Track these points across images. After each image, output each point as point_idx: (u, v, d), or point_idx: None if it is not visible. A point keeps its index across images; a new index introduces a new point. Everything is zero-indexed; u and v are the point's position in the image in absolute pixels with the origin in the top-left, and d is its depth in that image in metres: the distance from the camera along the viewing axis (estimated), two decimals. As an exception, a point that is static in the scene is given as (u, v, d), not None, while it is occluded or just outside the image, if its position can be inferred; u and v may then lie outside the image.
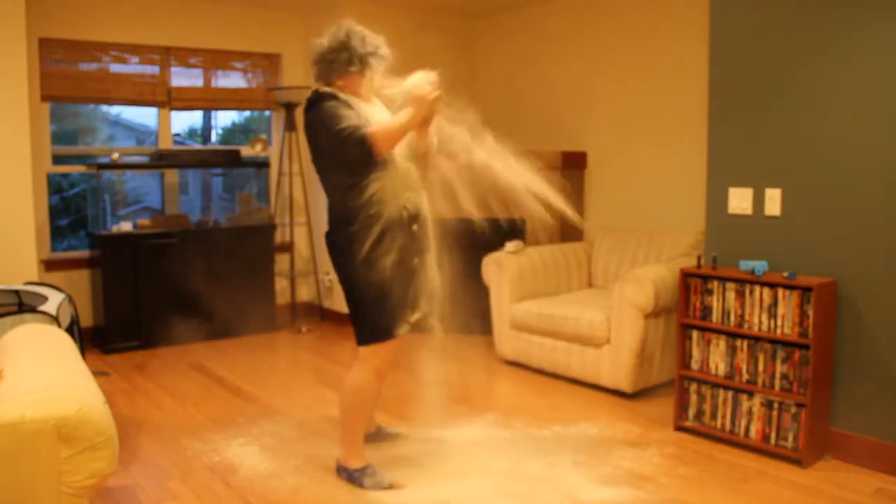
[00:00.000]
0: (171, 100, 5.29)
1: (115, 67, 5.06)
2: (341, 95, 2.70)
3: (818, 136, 3.01)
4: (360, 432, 2.82)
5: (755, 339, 3.07)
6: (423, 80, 2.72)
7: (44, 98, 4.81)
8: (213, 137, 6.75)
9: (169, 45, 5.24)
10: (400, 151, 2.79)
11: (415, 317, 2.77)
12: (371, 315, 2.70)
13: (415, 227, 2.76)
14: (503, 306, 4.39)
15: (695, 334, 3.28)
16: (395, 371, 4.20)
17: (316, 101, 2.70)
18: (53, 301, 3.33)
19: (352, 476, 2.78)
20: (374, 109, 2.82)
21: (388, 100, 2.89)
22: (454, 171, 2.95)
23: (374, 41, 2.78)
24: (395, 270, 2.68)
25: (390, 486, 2.74)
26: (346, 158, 2.64)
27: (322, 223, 5.92)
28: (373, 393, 2.80)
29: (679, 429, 3.33)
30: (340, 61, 2.72)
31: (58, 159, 4.96)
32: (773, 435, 3.02)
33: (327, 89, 2.71)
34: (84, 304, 4.93)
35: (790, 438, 2.97)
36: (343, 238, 2.71)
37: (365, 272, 2.67)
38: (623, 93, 4.85)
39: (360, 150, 2.59)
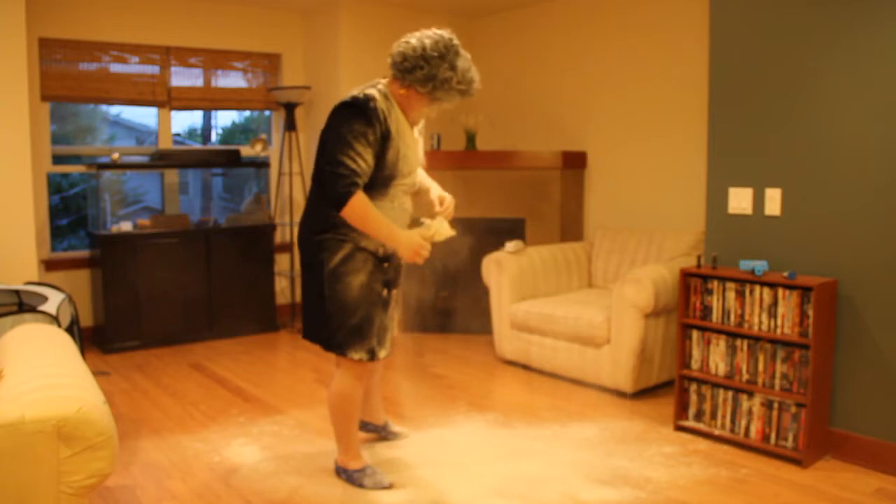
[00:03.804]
0: (171, 100, 5.29)
1: (115, 67, 5.06)
2: (388, 119, 2.50)
3: (818, 136, 3.01)
4: (353, 435, 2.80)
5: (755, 339, 3.07)
6: (441, 234, 2.57)
7: (44, 98, 4.81)
8: (213, 137, 6.75)
9: (169, 45, 5.24)
10: (404, 189, 2.69)
11: (383, 353, 2.71)
12: (328, 327, 2.62)
13: (386, 265, 2.70)
14: (503, 306, 4.39)
15: (695, 334, 3.28)
16: (394, 371, 4.20)
17: (353, 112, 2.47)
18: (53, 301, 3.32)
19: (351, 477, 2.78)
20: (411, 137, 2.66)
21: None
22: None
23: (465, 76, 2.50)
24: (362, 292, 2.61)
25: (390, 486, 2.73)
26: (320, 183, 2.52)
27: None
28: (358, 396, 2.76)
29: (679, 429, 3.33)
30: (417, 76, 2.47)
31: (58, 159, 4.96)
32: (773, 435, 3.02)
33: (380, 106, 2.49)
34: (84, 304, 4.94)
35: (790, 438, 2.97)
36: (311, 243, 2.63)
37: (331, 284, 2.59)
38: (623, 93, 4.85)
39: (334, 198, 2.46)
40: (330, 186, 2.46)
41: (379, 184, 2.57)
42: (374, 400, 3.17)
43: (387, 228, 2.50)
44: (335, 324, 2.61)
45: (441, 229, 2.58)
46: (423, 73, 2.46)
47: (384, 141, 2.51)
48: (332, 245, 2.59)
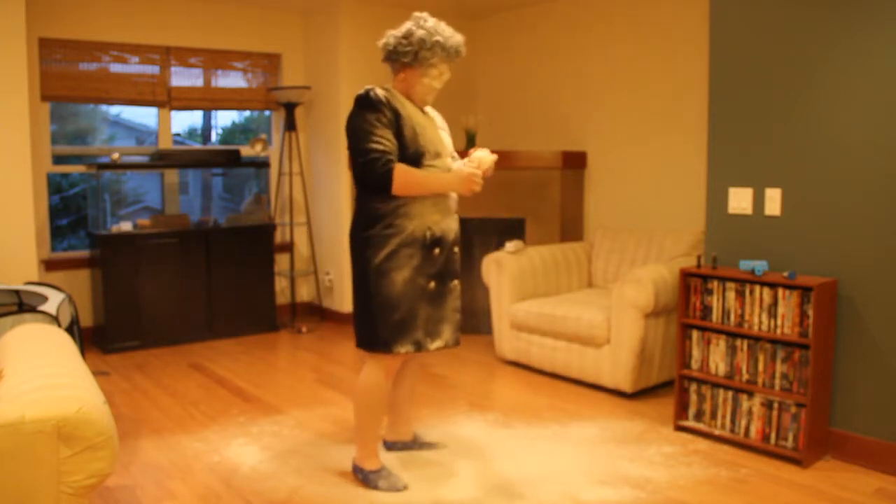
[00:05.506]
0: (171, 100, 5.30)
1: (115, 67, 5.06)
2: (392, 102, 2.62)
3: (818, 136, 3.01)
4: (373, 432, 2.78)
5: (755, 339, 3.07)
6: (485, 161, 2.79)
7: (44, 98, 4.81)
8: (213, 137, 6.75)
9: (169, 45, 5.24)
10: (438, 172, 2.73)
11: (435, 345, 2.72)
12: (374, 324, 2.64)
13: (436, 251, 2.70)
14: (503, 306, 4.39)
15: (695, 334, 3.28)
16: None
17: (360, 105, 2.62)
18: (53, 301, 3.33)
19: (367, 477, 2.76)
20: (426, 119, 2.74)
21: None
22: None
23: (438, 34, 2.64)
24: (406, 287, 2.63)
25: (405, 489, 2.71)
26: (362, 179, 2.62)
27: (322, 223, 5.93)
28: (384, 389, 2.73)
29: (679, 429, 3.33)
30: (399, 52, 2.65)
31: (58, 159, 4.96)
32: (773, 435, 3.02)
33: (380, 93, 2.61)
34: (84, 304, 4.94)
35: (790, 438, 2.97)
36: (359, 240, 2.68)
37: (376, 281, 2.63)
38: (623, 93, 4.85)
39: (378, 180, 2.56)
40: (370, 175, 2.58)
41: (410, 165, 2.64)
42: (401, 414, 3.08)
43: (436, 179, 2.66)
44: (380, 320, 2.64)
45: (484, 158, 2.81)
46: (403, 47, 2.66)
47: (396, 119, 2.62)
48: (377, 241, 2.64)
